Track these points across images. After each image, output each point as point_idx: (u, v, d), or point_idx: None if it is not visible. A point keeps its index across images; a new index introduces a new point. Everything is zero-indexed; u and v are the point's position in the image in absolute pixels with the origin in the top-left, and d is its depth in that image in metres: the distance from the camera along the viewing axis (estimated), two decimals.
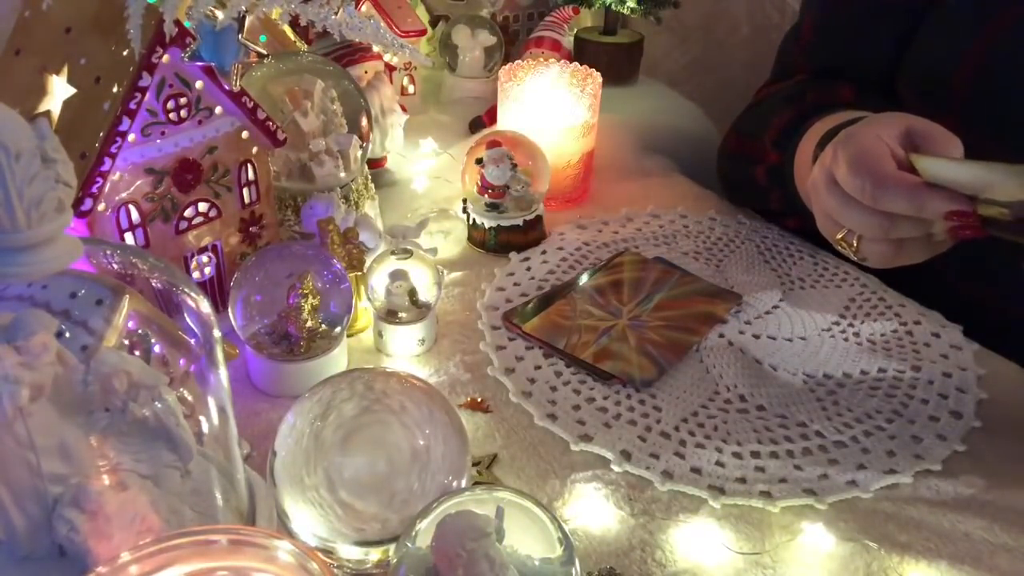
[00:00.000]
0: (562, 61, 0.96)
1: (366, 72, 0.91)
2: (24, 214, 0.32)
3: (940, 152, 0.57)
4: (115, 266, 0.41)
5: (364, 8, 1.01)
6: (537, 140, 0.83)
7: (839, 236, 0.60)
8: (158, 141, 0.57)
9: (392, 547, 0.43)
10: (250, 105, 0.62)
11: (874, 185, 0.55)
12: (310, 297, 0.61)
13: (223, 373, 0.42)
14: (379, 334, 0.68)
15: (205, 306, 0.41)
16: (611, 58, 1.20)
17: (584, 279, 0.78)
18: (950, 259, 0.73)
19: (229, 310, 0.62)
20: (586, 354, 0.68)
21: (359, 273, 0.68)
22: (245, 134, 0.63)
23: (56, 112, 0.55)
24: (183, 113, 0.58)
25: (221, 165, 0.62)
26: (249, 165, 0.65)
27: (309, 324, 0.62)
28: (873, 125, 0.60)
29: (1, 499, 0.36)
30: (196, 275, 0.64)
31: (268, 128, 0.64)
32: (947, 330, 0.73)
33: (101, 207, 0.55)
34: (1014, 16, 0.72)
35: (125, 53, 0.53)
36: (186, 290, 0.41)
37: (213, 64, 0.58)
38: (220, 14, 0.55)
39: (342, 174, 0.75)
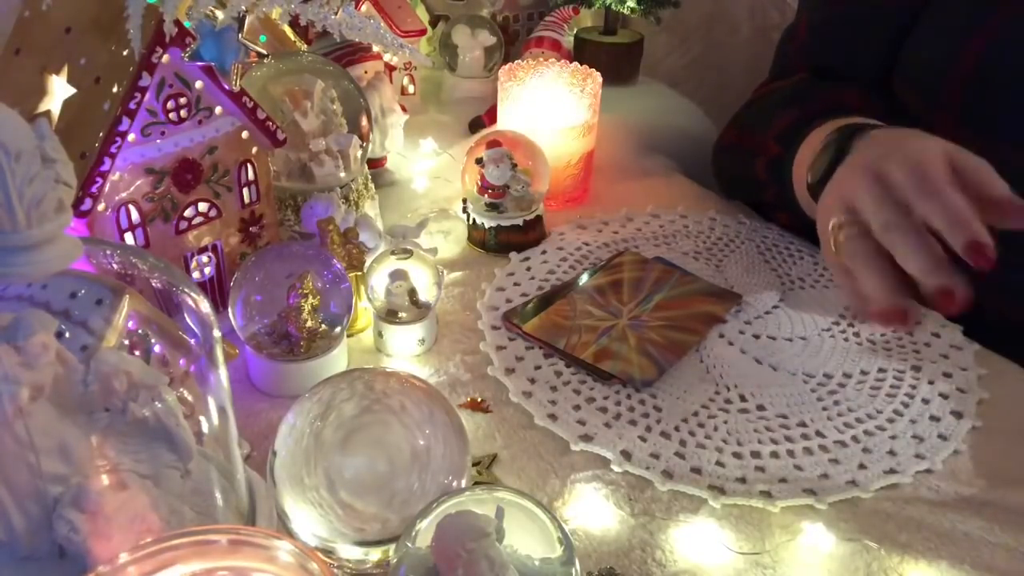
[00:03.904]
0: (562, 61, 0.96)
1: (366, 72, 0.91)
2: (24, 214, 0.32)
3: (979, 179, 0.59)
4: (115, 266, 0.41)
5: (364, 8, 1.01)
6: (537, 140, 0.83)
7: (834, 223, 0.62)
8: (158, 141, 0.57)
9: (392, 547, 0.43)
10: (250, 105, 0.62)
11: (934, 183, 0.56)
12: (310, 297, 0.61)
13: (223, 373, 0.42)
14: (379, 334, 0.68)
15: (205, 306, 0.41)
16: (611, 58, 1.20)
17: (584, 279, 0.78)
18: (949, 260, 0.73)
19: (229, 310, 0.62)
20: (586, 354, 0.68)
21: (359, 273, 0.68)
22: (245, 134, 0.63)
23: (56, 112, 0.55)
24: (183, 113, 0.58)
25: (221, 165, 0.62)
26: (249, 165, 0.65)
27: (309, 324, 0.62)
28: (920, 140, 0.61)
29: (1, 499, 0.36)
30: (196, 275, 0.64)
31: (268, 128, 0.64)
32: (947, 330, 0.73)
33: (101, 207, 0.55)
34: (1012, 11, 0.72)
35: (125, 53, 0.53)
36: (186, 290, 0.41)
37: (213, 64, 0.58)
38: (220, 14, 0.55)
39: (342, 174, 0.75)
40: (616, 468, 0.58)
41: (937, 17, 0.79)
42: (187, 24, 0.55)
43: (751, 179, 0.88)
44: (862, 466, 0.59)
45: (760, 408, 0.64)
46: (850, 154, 0.67)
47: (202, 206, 0.62)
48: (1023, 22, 0.71)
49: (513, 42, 1.31)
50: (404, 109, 0.94)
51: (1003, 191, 0.58)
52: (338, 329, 0.64)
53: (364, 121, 0.80)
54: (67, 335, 0.37)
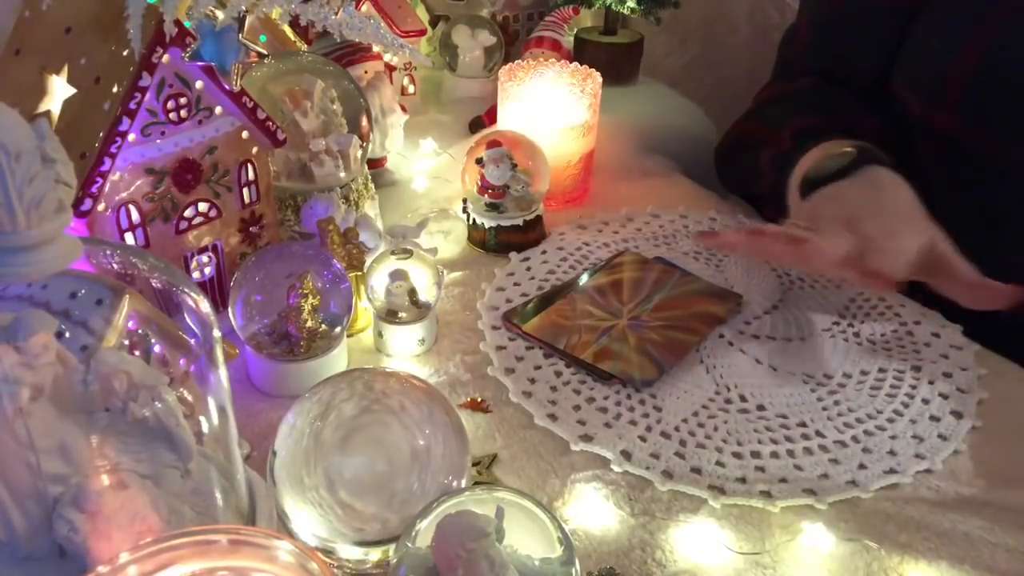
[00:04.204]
0: (562, 61, 0.96)
1: (366, 72, 0.91)
2: (24, 214, 0.32)
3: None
4: (115, 266, 0.41)
5: (364, 8, 1.01)
6: (537, 140, 0.83)
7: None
8: (158, 141, 0.57)
9: (392, 547, 0.43)
10: (250, 105, 0.62)
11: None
12: (310, 297, 0.61)
13: (223, 373, 0.42)
14: (379, 334, 0.68)
15: (205, 306, 0.41)
16: (611, 58, 1.20)
17: (584, 279, 0.78)
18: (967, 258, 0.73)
19: (229, 310, 0.62)
20: (586, 354, 0.68)
21: (359, 273, 0.68)
22: (245, 134, 0.63)
23: (56, 112, 0.55)
24: (183, 113, 0.58)
25: (221, 165, 0.62)
26: (249, 165, 0.65)
27: (309, 324, 0.62)
28: (913, 226, 0.67)
29: (1, 499, 0.36)
30: (196, 275, 0.64)
31: (268, 128, 0.64)
32: (947, 330, 0.73)
33: (101, 207, 0.55)
34: (1012, 10, 0.72)
35: (125, 53, 0.53)
36: (186, 290, 0.41)
37: (213, 64, 0.58)
38: (220, 14, 0.55)
39: (342, 174, 0.75)
40: (616, 468, 0.58)
41: (937, 17, 0.79)
42: (187, 24, 0.55)
43: (753, 169, 0.89)
44: (862, 466, 0.59)
45: (760, 408, 0.64)
46: (856, 177, 0.71)
47: (202, 206, 0.62)
48: (1022, 21, 0.71)
49: (513, 42, 1.31)
50: (404, 109, 0.94)
51: (968, 273, 0.66)
52: (338, 329, 0.64)
53: (364, 121, 0.80)
54: (67, 335, 0.37)
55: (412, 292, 0.67)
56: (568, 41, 1.21)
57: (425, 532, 0.40)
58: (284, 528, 0.46)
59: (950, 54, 0.75)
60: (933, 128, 0.78)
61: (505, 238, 0.82)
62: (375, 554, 0.46)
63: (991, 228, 0.77)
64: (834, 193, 0.71)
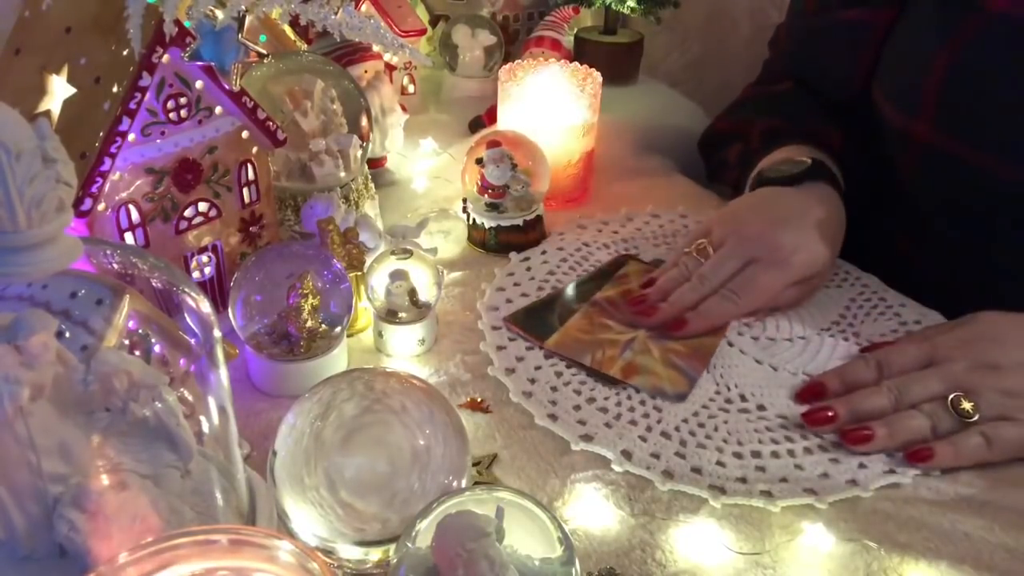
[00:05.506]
0: (562, 61, 0.96)
1: (366, 72, 0.91)
2: (24, 214, 0.32)
3: None
4: (115, 266, 0.41)
5: (364, 8, 1.01)
6: (537, 140, 0.83)
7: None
8: (158, 141, 0.58)
9: (392, 547, 0.43)
10: (250, 105, 0.62)
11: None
12: (310, 297, 0.61)
13: (223, 373, 0.42)
14: (379, 334, 0.68)
15: (205, 306, 0.41)
16: (611, 58, 1.20)
17: (581, 282, 0.77)
18: (951, 261, 0.74)
19: (229, 310, 0.62)
20: (614, 370, 0.66)
21: (359, 273, 0.68)
22: (245, 134, 0.63)
23: (56, 112, 0.55)
24: (183, 113, 0.58)
25: (221, 165, 0.62)
26: (249, 165, 0.65)
27: (309, 324, 0.62)
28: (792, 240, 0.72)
29: (1, 499, 0.36)
30: (196, 275, 0.64)
31: (268, 128, 0.64)
32: None
33: (101, 207, 0.55)
34: (978, 22, 0.73)
35: (125, 53, 0.53)
36: (186, 290, 0.41)
37: (213, 64, 0.58)
38: (220, 14, 0.55)
39: (342, 174, 0.75)
40: (616, 468, 0.58)
41: (909, 31, 0.81)
42: (187, 24, 0.55)
43: (724, 161, 0.94)
44: (862, 466, 0.59)
45: (760, 408, 0.64)
46: (799, 188, 0.76)
47: (202, 206, 0.62)
48: (989, 33, 0.73)
49: (513, 42, 1.31)
50: (404, 109, 0.94)
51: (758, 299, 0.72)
52: (338, 329, 0.64)
53: (364, 121, 0.80)
54: (67, 335, 0.37)
55: (412, 292, 0.67)
56: (568, 41, 1.21)
57: (425, 532, 0.40)
58: (284, 528, 0.46)
59: (922, 67, 0.77)
60: (911, 138, 0.79)
61: (505, 238, 0.82)
62: (375, 554, 0.46)
63: (972, 233, 0.78)
64: (763, 197, 0.77)
